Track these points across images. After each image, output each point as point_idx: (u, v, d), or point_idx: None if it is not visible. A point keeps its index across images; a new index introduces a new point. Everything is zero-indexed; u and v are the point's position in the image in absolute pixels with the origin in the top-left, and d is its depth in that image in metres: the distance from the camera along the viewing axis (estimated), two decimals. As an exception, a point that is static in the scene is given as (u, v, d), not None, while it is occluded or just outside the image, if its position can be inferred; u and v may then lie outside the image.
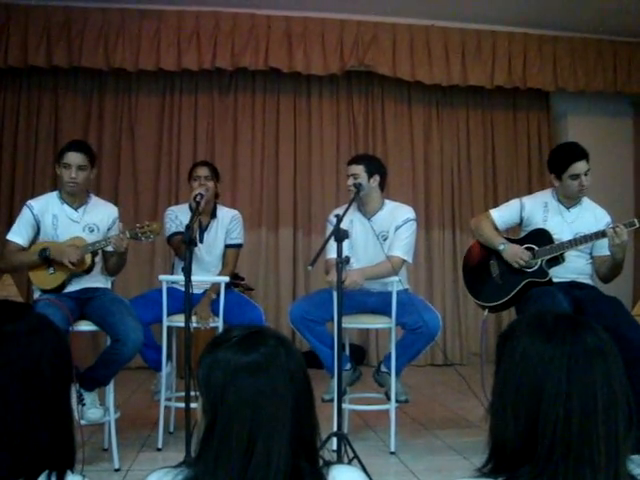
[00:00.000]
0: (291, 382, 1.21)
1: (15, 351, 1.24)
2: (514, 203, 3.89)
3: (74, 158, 3.56)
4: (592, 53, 6.93)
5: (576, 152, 3.66)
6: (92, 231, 3.69)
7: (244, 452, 1.16)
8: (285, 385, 1.20)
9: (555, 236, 3.63)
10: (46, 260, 3.50)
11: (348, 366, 3.93)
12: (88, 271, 3.62)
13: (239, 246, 4.27)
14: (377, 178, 4.01)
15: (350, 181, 3.96)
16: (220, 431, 1.18)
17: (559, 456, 1.11)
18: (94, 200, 3.81)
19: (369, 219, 4.00)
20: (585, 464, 1.11)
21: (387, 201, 4.11)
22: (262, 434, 1.16)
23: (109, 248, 3.59)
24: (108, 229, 3.76)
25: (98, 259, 3.70)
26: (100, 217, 3.75)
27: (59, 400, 1.28)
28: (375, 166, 4.06)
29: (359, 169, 3.98)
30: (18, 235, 3.60)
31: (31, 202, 3.67)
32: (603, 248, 3.66)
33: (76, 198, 3.68)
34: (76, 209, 3.68)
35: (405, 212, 4.03)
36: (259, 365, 1.20)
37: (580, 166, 3.61)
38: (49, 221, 3.62)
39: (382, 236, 3.94)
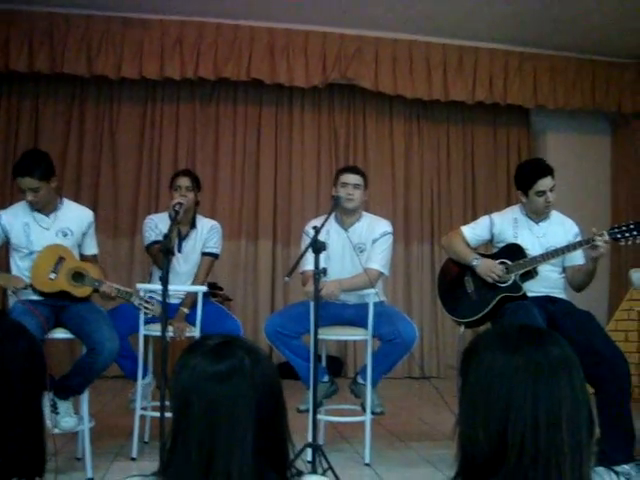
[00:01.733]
0: (255, 393, 1.22)
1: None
2: (484, 220, 3.92)
3: (26, 183, 3.49)
4: (571, 71, 7.03)
5: (541, 168, 3.68)
6: (65, 235, 3.67)
7: (204, 460, 1.17)
8: (248, 396, 1.21)
9: (527, 251, 3.66)
10: None
11: (325, 378, 3.93)
12: (78, 300, 3.61)
13: (214, 256, 4.24)
14: (367, 193, 4.09)
15: (350, 190, 3.94)
16: (182, 438, 1.19)
17: (528, 463, 1.14)
18: (66, 204, 3.78)
19: (346, 230, 4.01)
20: (552, 470, 1.14)
21: (364, 213, 4.14)
22: (221, 443, 1.18)
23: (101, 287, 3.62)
24: (83, 234, 3.76)
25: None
26: (73, 221, 3.73)
27: (30, 407, 1.28)
28: (367, 181, 4.10)
29: (361, 180, 4.01)
30: None
31: (1, 212, 3.65)
32: (575, 258, 3.71)
33: (45, 207, 3.65)
34: (47, 215, 3.66)
35: (383, 225, 4.06)
36: (222, 375, 1.21)
37: (545, 182, 3.63)
38: (20, 229, 3.60)
39: (359, 248, 3.95)
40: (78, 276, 3.58)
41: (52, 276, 3.55)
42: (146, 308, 3.60)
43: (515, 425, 1.16)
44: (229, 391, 1.20)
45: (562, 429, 1.16)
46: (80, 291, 3.58)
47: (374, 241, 3.98)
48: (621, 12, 5.99)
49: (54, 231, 3.65)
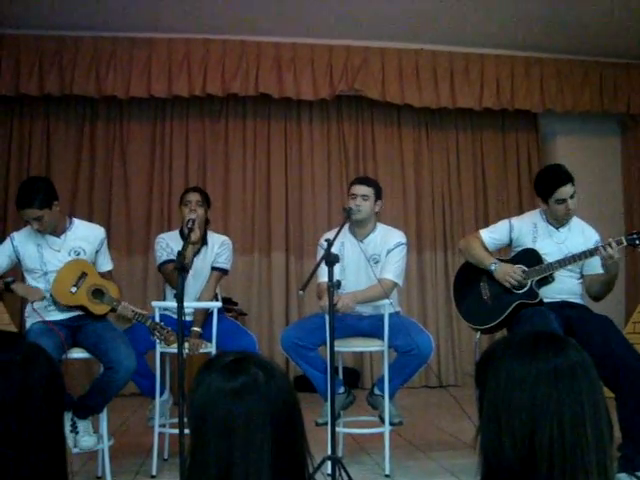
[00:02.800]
0: (270, 408, 1.23)
1: (7, 381, 1.25)
2: (503, 224, 3.91)
3: (28, 214, 3.52)
4: (578, 74, 7.03)
5: (560, 177, 3.64)
6: (78, 254, 3.70)
7: (222, 476, 1.18)
8: (263, 411, 1.22)
9: (545, 257, 3.64)
10: (7, 288, 3.51)
11: (342, 390, 3.92)
12: (94, 317, 3.63)
13: (224, 271, 4.24)
14: (379, 203, 4.06)
15: (358, 201, 3.93)
16: (200, 455, 1.21)
17: (559, 465, 1.16)
18: (77, 223, 3.80)
19: (361, 241, 4.01)
20: (579, 471, 1.16)
21: (379, 224, 4.13)
22: (238, 459, 1.19)
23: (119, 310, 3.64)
24: (96, 252, 3.78)
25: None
26: (85, 240, 3.75)
27: (52, 428, 1.29)
28: (379, 191, 4.09)
29: (370, 191, 3.99)
30: None
31: (14, 234, 3.71)
32: (593, 267, 3.67)
33: (54, 230, 3.68)
34: (58, 236, 3.69)
35: (397, 236, 4.06)
36: (236, 391, 1.22)
37: (565, 190, 3.60)
38: (33, 251, 3.63)
39: (373, 259, 3.96)
40: (98, 293, 3.61)
41: (73, 290, 3.57)
42: (159, 334, 3.59)
43: (542, 429, 1.17)
44: (243, 407, 1.21)
45: (587, 431, 1.17)
46: (98, 308, 3.60)
47: (388, 252, 3.97)
48: (627, 14, 5.98)
49: (66, 252, 3.68)
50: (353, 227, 4.04)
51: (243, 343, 3.92)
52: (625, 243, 3.42)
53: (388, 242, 4.01)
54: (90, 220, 4.28)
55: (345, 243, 3.99)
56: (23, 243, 3.64)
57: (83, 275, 3.60)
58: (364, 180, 4.20)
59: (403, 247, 4.02)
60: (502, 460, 1.20)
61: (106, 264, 3.88)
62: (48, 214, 3.54)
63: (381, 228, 4.11)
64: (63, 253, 3.67)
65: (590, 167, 7.05)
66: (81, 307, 3.61)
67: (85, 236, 3.78)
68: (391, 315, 3.77)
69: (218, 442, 1.20)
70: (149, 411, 4.02)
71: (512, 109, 6.99)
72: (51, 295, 3.59)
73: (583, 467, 1.16)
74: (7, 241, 3.67)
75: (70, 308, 3.61)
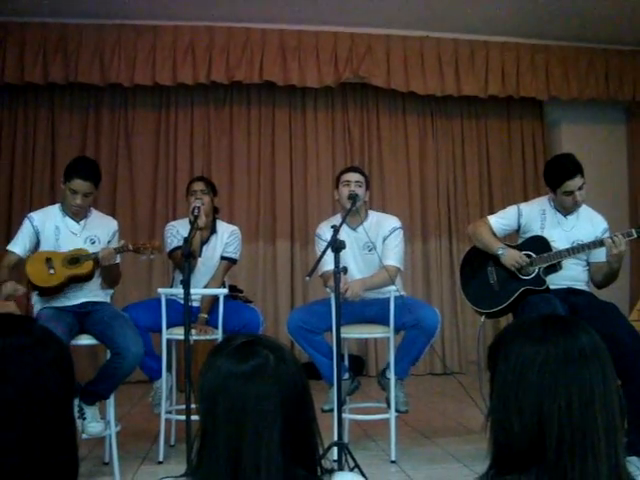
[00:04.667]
0: (281, 391, 1.23)
1: (19, 364, 1.26)
2: (511, 209, 3.90)
3: (82, 186, 3.59)
4: (584, 61, 7.00)
5: (569, 169, 3.61)
6: (93, 243, 3.73)
7: (232, 459, 1.19)
8: (273, 394, 1.22)
9: (552, 244, 3.64)
10: None
11: (346, 376, 3.93)
12: (87, 278, 3.64)
13: (233, 261, 4.27)
14: (367, 193, 4.10)
15: (352, 186, 3.96)
16: (210, 438, 1.21)
17: (568, 448, 1.16)
18: (94, 214, 3.87)
19: (354, 229, 4.02)
20: (589, 456, 1.16)
21: (371, 212, 4.15)
22: (249, 442, 1.19)
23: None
24: (108, 242, 3.80)
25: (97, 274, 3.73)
26: (101, 230, 3.80)
27: (63, 413, 1.29)
28: (368, 180, 4.14)
29: (362, 179, 4.03)
30: (16, 245, 3.66)
31: (32, 214, 3.75)
32: (600, 255, 3.66)
33: (80, 213, 3.73)
34: (78, 222, 3.74)
35: (391, 222, 4.07)
36: (247, 374, 1.22)
37: (574, 183, 3.58)
38: (51, 232, 3.67)
39: (367, 246, 3.97)
40: (74, 260, 3.61)
41: (51, 271, 3.58)
42: (145, 250, 3.60)
43: (551, 412, 1.18)
44: (254, 390, 1.21)
45: (596, 413, 1.18)
46: (83, 268, 3.59)
47: (384, 238, 3.99)
48: (633, 0, 5.95)
49: (83, 238, 3.72)
50: (347, 216, 4.03)
51: (247, 317, 3.96)
52: (635, 235, 3.42)
53: (383, 228, 4.02)
54: (95, 208, 4.28)
55: (340, 232, 3.99)
56: (42, 222, 3.69)
57: (48, 260, 3.59)
58: (357, 168, 4.28)
59: (399, 231, 4.03)
60: (512, 442, 1.21)
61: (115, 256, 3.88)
62: (93, 195, 3.68)
63: (373, 215, 4.13)
64: (80, 239, 3.71)
65: (596, 154, 7.01)
66: (70, 279, 3.60)
67: (101, 226, 3.83)
68: (396, 298, 3.77)
69: (229, 426, 1.20)
70: (151, 397, 4.03)
71: (517, 96, 6.97)
72: (38, 291, 3.61)
73: (592, 450, 1.16)
74: (26, 222, 3.70)
75: (64, 287, 3.61)
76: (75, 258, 3.61)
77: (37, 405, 1.25)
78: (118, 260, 3.75)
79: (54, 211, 3.76)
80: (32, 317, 3.04)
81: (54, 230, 3.68)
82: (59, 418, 1.28)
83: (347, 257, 3.95)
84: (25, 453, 1.23)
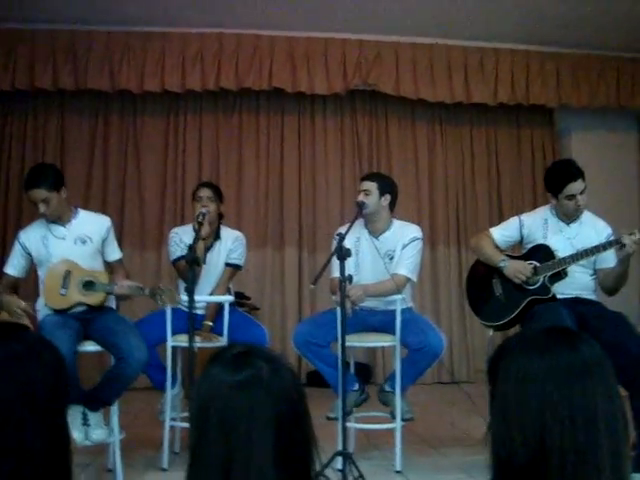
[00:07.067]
0: (274, 402, 1.20)
1: (11, 372, 1.24)
2: (513, 221, 3.88)
3: (36, 194, 3.54)
4: (595, 69, 6.96)
5: (571, 172, 3.60)
6: (84, 242, 3.70)
7: (221, 472, 1.16)
8: (266, 405, 1.19)
9: (556, 253, 3.61)
10: None
11: (356, 386, 3.89)
12: (94, 308, 3.63)
13: (238, 267, 4.26)
14: (388, 197, 4.02)
15: (360, 197, 3.95)
16: (199, 449, 1.19)
17: (570, 464, 1.13)
18: (82, 214, 3.82)
19: (376, 238, 3.99)
20: (592, 470, 1.13)
21: (395, 220, 4.11)
22: (239, 455, 1.16)
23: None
24: (103, 240, 3.79)
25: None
26: (91, 228, 3.76)
27: (55, 420, 1.28)
28: (387, 185, 4.07)
29: (372, 186, 3.99)
30: (10, 267, 3.69)
31: (20, 232, 3.75)
32: (607, 261, 3.63)
33: (60, 217, 3.69)
34: (63, 225, 3.70)
35: (412, 231, 4.03)
36: (239, 384, 1.20)
37: (575, 187, 3.56)
38: (39, 243, 3.65)
39: (388, 255, 3.94)
40: (89, 285, 3.60)
41: (62, 292, 3.57)
42: (162, 296, 3.57)
43: (553, 427, 1.15)
44: (246, 400, 1.19)
45: (600, 429, 1.15)
46: (94, 299, 3.60)
47: (403, 246, 3.95)
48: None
49: (71, 239, 3.68)
50: (367, 223, 4.03)
51: (253, 335, 3.93)
52: (638, 236, 3.37)
53: (403, 237, 3.98)
54: (103, 212, 4.29)
55: (360, 239, 3.99)
56: (29, 238, 3.67)
57: (67, 274, 3.58)
58: (367, 176, 4.25)
59: (418, 242, 3.99)
60: (513, 457, 1.18)
61: (114, 253, 3.88)
62: (56, 198, 3.57)
63: (396, 223, 4.09)
64: (68, 241, 3.67)
65: (607, 163, 6.98)
66: (78, 304, 3.60)
67: (91, 224, 3.78)
68: (403, 311, 3.74)
69: (219, 436, 1.18)
70: (160, 404, 4.03)
71: (527, 104, 6.93)
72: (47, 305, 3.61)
73: (596, 466, 1.13)
74: (15, 242, 3.71)
75: (71, 309, 3.60)
76: (91, 282, 3.60)
77: (28, 412, 1.24)
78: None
79: (40, 222, 3.71)
80: (26, 325, 3.01)
81: (41, 240, 3.65)
82: (51, 426, 1.27)
83: (366, 265, 3.94)
84: (17, 460, 1.21)
